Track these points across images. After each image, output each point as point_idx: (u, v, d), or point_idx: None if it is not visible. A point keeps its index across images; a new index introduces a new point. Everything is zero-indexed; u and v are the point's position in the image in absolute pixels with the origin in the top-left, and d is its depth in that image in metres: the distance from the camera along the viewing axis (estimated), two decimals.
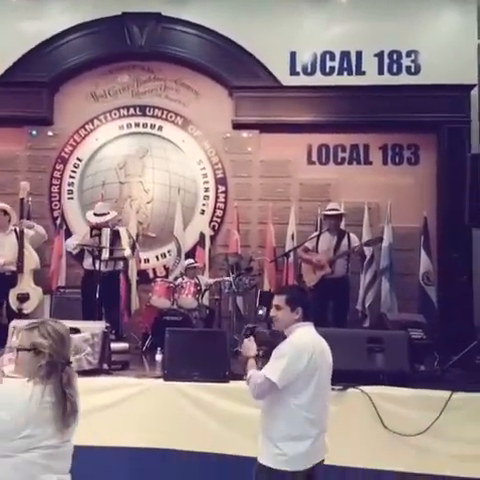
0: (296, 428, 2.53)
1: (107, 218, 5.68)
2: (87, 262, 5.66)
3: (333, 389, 3.48)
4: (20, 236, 5.33)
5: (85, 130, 7.10)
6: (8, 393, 2.08)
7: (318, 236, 5.86)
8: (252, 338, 2.90)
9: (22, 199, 5.50)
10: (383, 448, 3.60)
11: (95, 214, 5.74)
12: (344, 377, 3.48)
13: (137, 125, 7.14)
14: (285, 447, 2.52)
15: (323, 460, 2.65)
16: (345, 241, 5.74)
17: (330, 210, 5.91)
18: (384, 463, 3.59)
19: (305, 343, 2.57)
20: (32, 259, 5.40)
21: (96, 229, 5.57)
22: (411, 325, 4.53)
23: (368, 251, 6.19)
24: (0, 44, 6.86)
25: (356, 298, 6.40)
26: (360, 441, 3.59)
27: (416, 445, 3.58)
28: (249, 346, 2.82)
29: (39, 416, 2.05)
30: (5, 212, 5.45)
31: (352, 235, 5.84)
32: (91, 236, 5.53)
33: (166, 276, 6.66)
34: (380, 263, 6.53)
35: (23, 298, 5.25)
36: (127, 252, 5.60)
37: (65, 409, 2.10)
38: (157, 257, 7.01)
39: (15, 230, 5.43)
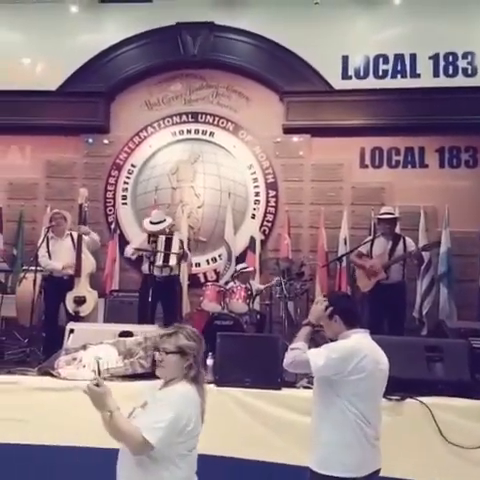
0: (349, 433, 2.45)
1: (163, 226, 5.75)
2: (144, 267, 5.76)
3: (390, 399, 3.41)
4: (78, 240, 5.49)
5: (139, 137, 7.28)
6: (186, 394, 2.16)
7: (372, 240, 5.70)
8: (325, 301, 2.66)
9: (81, 205, 5.66)
10: (442, 460, 3.45)
11: (151, 222, 5.84)
12: (401, 386, 3.38)
13: (189, 132, 7.25)
14: (339, 452, 2.44)
15: (379, 469, 2.55)
16: (401, 245, 5.56)
17: (384, 214, 5.76)
18: (443, 476, 3.44)
19: (357, 348, 2.49)
20: (89, 263, 5.55)
21: (153, 236, 5.68)
22: (471, 333, 4.33)
23: (425, 256, 5.99)
24: (59, 55, 7.15)
25: (413, 305, 6.23)
26: (418, 453, 3.46)
27: (477, 458, 3.42)
28: (316, 309, 2.65)
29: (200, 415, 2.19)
30: (64, 218, 5.64)
31: (408, 239, 5.66)
32: (149, 242, 5.66)
33: (217, 280, 6.69)
34: (438, 269, 6.35)
35: (80, 301, 5.40)
36: (172, 261, 5.59)
37: (203, 408, 2.21)
38: (208, 261, 7.06)
39: (71, 235, 5.61)
